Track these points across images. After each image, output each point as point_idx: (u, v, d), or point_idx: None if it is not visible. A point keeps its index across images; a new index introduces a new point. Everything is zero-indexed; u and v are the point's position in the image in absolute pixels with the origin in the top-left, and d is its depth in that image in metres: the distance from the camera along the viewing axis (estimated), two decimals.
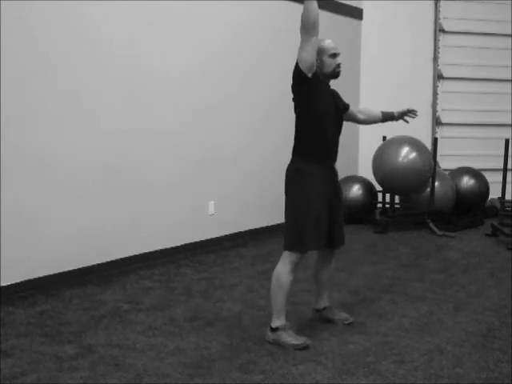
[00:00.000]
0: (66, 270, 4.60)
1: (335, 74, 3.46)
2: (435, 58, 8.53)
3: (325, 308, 3.80)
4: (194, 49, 5.64)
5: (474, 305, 4.17)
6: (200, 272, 5.02)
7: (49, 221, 4.46)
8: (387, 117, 3.93)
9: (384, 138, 7.54)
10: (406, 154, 6.90)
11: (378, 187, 7.49)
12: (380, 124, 4.04)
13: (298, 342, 3.35)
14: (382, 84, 8.34)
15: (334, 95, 3.58)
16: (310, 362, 3.15)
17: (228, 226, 6.19)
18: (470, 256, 5.74)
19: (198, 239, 5.82)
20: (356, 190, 7.31)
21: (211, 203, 5.94)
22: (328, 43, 3.42)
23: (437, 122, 8.58)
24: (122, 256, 5.04)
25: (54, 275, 4.51)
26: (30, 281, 4.35)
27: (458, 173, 7.78)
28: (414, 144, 6.99)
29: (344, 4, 7.89)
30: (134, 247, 5.16)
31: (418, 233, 6.89)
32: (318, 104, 3.39)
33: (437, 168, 7.34)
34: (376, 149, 7.26)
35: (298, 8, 3.32)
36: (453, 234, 6.69)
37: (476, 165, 8.01)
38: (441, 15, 8.48)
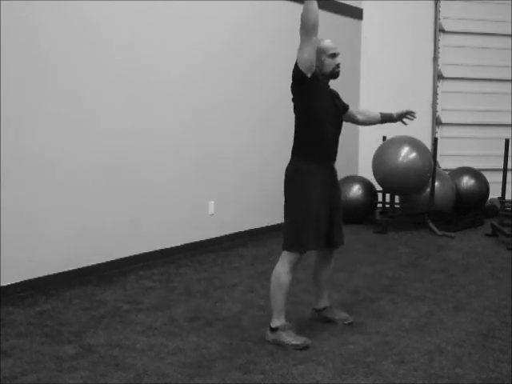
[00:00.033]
0: (65, 269, 4.60)
1: (335, 74, 3.46)
2: (435, 58, 8.53)
3: (325, 308, 3.80)
4: (194, 49, 5.64)
5: (474, 305, 4.18)
6: (200, 272, 5.02)
7: (49, 221, 4.46)
8: (386, 118, 3.94)
9: (384, 138, 7.54)
10: (406, 153, 6.90)
11: (378, 187, 7.49)
12: (380, 124, 4.05)
13: (298, 342, 3.35)
14: (382, 84, 8.34)
15: (334, 95, 3.58)
16: (309, 362, 3.15)
17: (228, 226, 6.19)
18: (470, 256, 5.74)
19: (198, 239, 5.82)
20: (356, 190, 7.30)
21: (211, 203, 5.94)
22: (327, 43, 3.42)
23: (437, 122, 8.58)
24: (122, 256, 5.04)
25: (54, 275, 4.51)
26: (29, 281, 4.35)
27: (457, 173, 7.79)
28: (414, 144, 6.99)
29: (344, 4, 7.89)
30: (134, 247, 5.16)
31: (418, 233, 6.89)
32: (318, 104, 3.39)
33: (437, 168, 7.34)
34: (376, 149, 7.27)
35: (298, 8, 3.32)
36: (453, 234, 6.69)
37: (476, 165, 8.01)
38: (441, 15, 8.48)
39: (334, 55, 3.42)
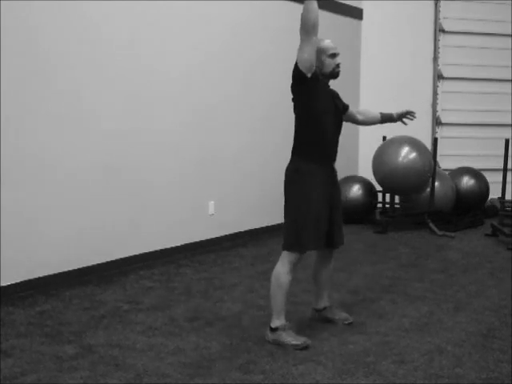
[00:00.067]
0: (66, 269, 4.60)
1: (334, 74, 3.46)
2: (435, 58, 8.53)
3: (325, 308, 3.80)
4: (194, 49, 5.64)
5: (474, 305, 4.17)
6: (200, 272, 5.02)
7: (49, 221, 4.46)
8: (386, 118, 3.94)
9: (384, 138, 7.54)
10: (406, 153, 6.90)
11: (378, 187, 7.49)
12: (380, 124, 4.05)
13: (298, 342, 3.35)
14: (382, 84, 8.34)
15: (334, 95, 3.58)
16: (309, 362, 3.15)
17: (228, 226, 6.19)
18: (470, 256, 5.74)
19: (198, 239, 5.82)
20: (356, 190, 7.30)
21: (211, 203, 5.94)
22: (327, 43, 3.42)
23: (437, 122, 8.58)
24: (122, 256, 5.04)
25: (54, 275, 4.51)
26: (29, 281, 4.35)
27: (457, 173, 7.79)
28: (414, 144, 6.99)
29: (344, 4, 7.89)
30: (134, 247, 5.16)
31: (418, 233, 6.89)
32: (318, 104, 3.39)
33: (437, 168, 7.34)
34: (376, 149, 7.27)
35: (298, 8, 3.32)
36: (453, 234, 6.69)
37: (476, 165, 8.01)
38: (441, 15, 8.48)
39: (333, 55, 3.42)
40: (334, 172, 3.57)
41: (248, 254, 5.70)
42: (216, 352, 3.29)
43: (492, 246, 6.21)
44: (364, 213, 7.36)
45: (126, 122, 5.02)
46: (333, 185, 3.54)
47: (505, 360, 3.21)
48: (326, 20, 6.51)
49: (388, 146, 7.13)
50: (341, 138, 3.60)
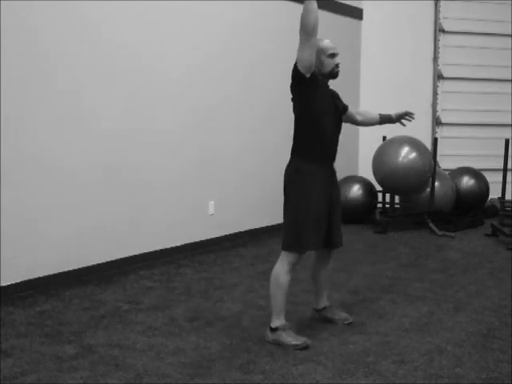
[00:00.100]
0: (66, 270, 4.60)
1: (334, 74, 3.46)
2: (435, 58, 8.53)
3: (325, 308, 3.80)
4: (194, 49, 5.64)
5: (474, 305, 4.18)
6: (200, 272, 5.02)
7: (49, 221, 4.46)
8: (385, 119, 3.94)
9: (384, 138, 7.54)
10: (406, 153, 6.90)
11: (378, 187, 7.49)
12: (378, 125, 4.05)
13: (298, 342, 3.35)
14: (382, 84, 8.34)
15: (334, 95, 3.57)
16: (309, 362, 3.15)
17: (228, 226, 6.19)
18: (470, 256, 5.74)
19: (198, 239, 5.82)
20: (356, 190, 7.30)
21: (211, 203, 5.94)
22: (327, 43, 3.42)
23: (437, 122, 8.58)
24: (122, 256, 5.05)
25: (54, 275, 4.51)
26: (29, 281, 4.35)
27: (458, 173, 7.79)
28: (414, 144, 6.99)
29: (344, 4, 7.89)
30: (134, 247, 5.16)
31: (418, 233, 6.89)
32: (317, 104, 3.39)
33: (437, 168, 7.34)
34: (376, 149, 7.27)
35: (298, 8, 3.32)
36: (453, 234, 6.69)
37: (476, 165, 8.01)
38: (441, 15, 8.48)
39: (333, 55, 3.42)
40: (333, 172, 3.57)
41: (248, 254, 5.70)
42: (216, 352, 3.29)
43: (492, 246, 6.21)
44: (364, 213, 7.36)
45: (126, 122, 5.02)
46: (332, 185, 3.54)
47: (505, 360, 3.21)
48: (326, 20, 6.52)
49: (388, 146, 7.13)
50: (341, 138, 3.59)
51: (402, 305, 4.16)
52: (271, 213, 6.51)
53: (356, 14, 8.19)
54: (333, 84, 3.56)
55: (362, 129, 8.11)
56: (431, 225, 6.91)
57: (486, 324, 3.78)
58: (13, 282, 4.24)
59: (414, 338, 3.51)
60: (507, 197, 7.44)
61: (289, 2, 6.66)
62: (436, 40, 8.50)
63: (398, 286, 4.65)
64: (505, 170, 7.04)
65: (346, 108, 3.72)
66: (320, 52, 3.37)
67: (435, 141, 7.53)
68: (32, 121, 4.32)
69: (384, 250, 5.96)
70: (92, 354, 3.23)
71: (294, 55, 3.29)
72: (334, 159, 3.56)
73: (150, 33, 5.19)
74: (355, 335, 3.55)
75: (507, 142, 7.03)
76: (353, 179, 7.45)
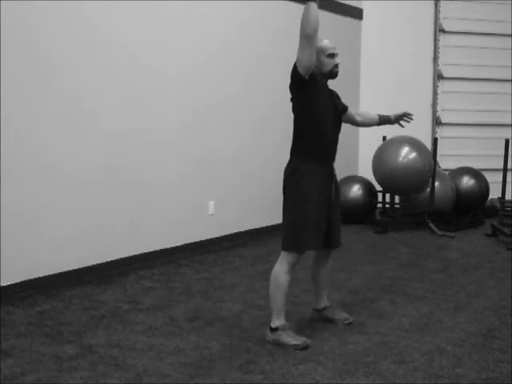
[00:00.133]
0: (65, 270, 4.60)
1: (333, 74, 3.45)
2: (435, 58, 8.53)
3: (325, 308, 3.80)
4: (194, 49, 5.64)
5: (474, 305, 4.18)
6: (200, 272, 5.02)
7: (49, 221, 4.46)
8: (384, 120, 3.95)
9: (384, 138, 7.54)
10: (406, 153, 6.90)
11: (378, 187, 7.49)
12: (377, 126, 4.06)
13: (298, 342, 3.35)
14: (382, 84, 8.34)
15: (333, 96, 3.57)
16: (309, 362, 3.15)
17: (228, 226, 6.19)
18: (470, 256, 5.74)
19: (198, 239, 5.82)
20: (356, 190, 7.30)
21: (211, 203, 5.94)
22: (326, 43, 3.42)
23: (437, 122, 8.58)
24: (122, 256, 5.05)
25: (54, 275, 4.51)
26: (29, 281, 4.35)
27: (458, 173, 7.79)
28: (414, 144, 6.99)
29: (344, 4, 7.89)
30: (134, 247, 5.16)
31: (418, 233, 6.89)
32: (316, 104, 3.38)
33: (437, 168, 7.34)
34: (376, 149, 7.27)
35: (298, 8, 3.33)
36: (453, 234, 6.69)
37: (476, 165, 8.01)
38: (441, 15, 8.48)
39: (332, 55, 3.41)
40: (333, 172, 3.56)
41: (248, 254, 5.70)
42: (216, 352, 3.29)
43: (492, 246, 6.21)
44: (364, 213, 7.36)
45: (126, 122, 5.02)
46: (332, 185, 3.54)
47: (505, 360, 3.21)
48: (326, 20, 6.51)
49: (388, 146, 7.13)
50: (341, 138, 3.59)
51: (402, 305, 4.16)
52: (271, 213, 6.50)
53: (356, 14, 8.19)
54: (333, 84, 3.55)
55: (361, 129, 8.11)
56: (431, 225, 6.91)
57: (485, 324, 3.78)
58: (13, 282, 4.25)
59: (414, 338, 3.51)
60: (507, 197, 7.44)
61: (289, 2, 6.66)
62: (436, 40, 8.50)
63: (398, 285, 4.65)
64: (505, 169, 7.04)
65: (345, 108, 3.72)
66: (319, 52, 3.37)
67: (435, 141, 7.53)
68: (32, 121, 4.32)
69: (384, 250, 5.96)
70: (92, 354, 3.23)
71: (294, 55, 3.28)
72: (333, 159, 3.56)
73: (150, 33, 5.19)
74: (355, 335, 3.55)
75: (507, 142, 7.03)
76: (353, 179, 7.45)
